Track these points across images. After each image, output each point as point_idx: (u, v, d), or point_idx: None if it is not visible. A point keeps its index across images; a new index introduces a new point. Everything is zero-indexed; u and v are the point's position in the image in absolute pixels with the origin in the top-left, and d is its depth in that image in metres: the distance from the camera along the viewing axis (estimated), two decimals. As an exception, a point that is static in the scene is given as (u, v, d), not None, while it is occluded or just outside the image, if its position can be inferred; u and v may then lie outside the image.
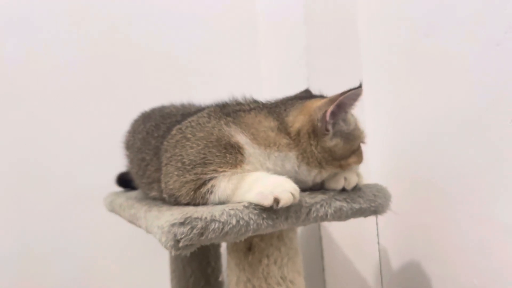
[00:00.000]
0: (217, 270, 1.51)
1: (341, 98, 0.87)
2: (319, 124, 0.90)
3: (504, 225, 0.99)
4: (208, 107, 1.03)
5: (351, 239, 1.46)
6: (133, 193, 1.36)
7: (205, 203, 0.90)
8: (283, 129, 0.92)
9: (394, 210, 1.06)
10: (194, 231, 0.80)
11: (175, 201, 0.94)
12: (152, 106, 1.29)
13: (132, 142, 1.20)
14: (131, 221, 1.17)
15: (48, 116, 1.78)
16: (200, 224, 0.80)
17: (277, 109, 0.95)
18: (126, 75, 1.85)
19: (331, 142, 0.91)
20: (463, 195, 1.11)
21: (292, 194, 0.84)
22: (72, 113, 1.80)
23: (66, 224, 1.75)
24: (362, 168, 1.58)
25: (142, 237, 1.24)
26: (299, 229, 1.64)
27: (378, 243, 1.32)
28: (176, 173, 0.91)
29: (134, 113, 1.32)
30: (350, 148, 0.95)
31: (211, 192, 0.89)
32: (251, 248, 1.00)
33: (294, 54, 1.65)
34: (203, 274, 1.49)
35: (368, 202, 0.99)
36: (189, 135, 0.94)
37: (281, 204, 0.83)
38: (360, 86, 0.86)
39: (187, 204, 0.92)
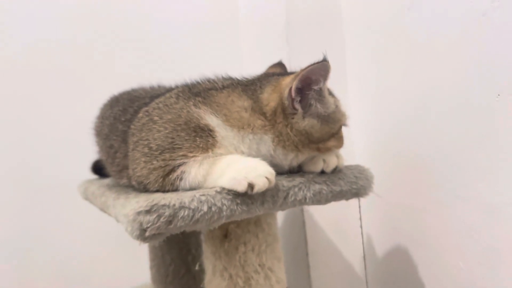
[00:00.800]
0: (198, 257, 1.46)
1: (303, 73, 0.81)
2: (286, 102, 0.84)
3: (490, 206, 0.95)
4: (177, 87, 0.97)
5: (335, 223, 1.42)
6: (106, 181, 1.29)
7: (175, 190, 0.85)
8: (257, 108, 0.86)
9: (378, 192, 1.01)
10: (162, 219, 0.74)
11: (144, 189, 0.88)
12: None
13: (100, 129, 1.13)
14: (102, 210, 1.11)
15: (20, 106, 1.69)
16: (167, 212, 0.75)
17: (253, 86, 0.89)
18: (100, 57, 1.76)
19: (304, 122, 0.85)
20: (448, 175, 1.07)
21: (267, 179, 0.78)
22: (44, 101, 1.71)
23: (44, 214, 1.69)
24: (346, 149, 1.54)
25: (120, 225, 1.19)
26: (282, 214, 1.60)
27: (361, 226, 1.28)
28: (143, 159, 0.85)
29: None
30: (329, 131, 0.89)
31: (181, 179, 0.83)
32: (227, 235, 0.95)
33: (274, 31, 1.58)
34: (183, 262, 1.44)
35: (349, 185, 0.94)
36: (156, 118, 0.87)
37: (255, 190, 0.77)
38: (325, 60, 0.80)
39: (157, 191, 0.86)
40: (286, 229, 1.60)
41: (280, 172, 0.92)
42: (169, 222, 0.75)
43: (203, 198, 0.78)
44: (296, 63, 1.39)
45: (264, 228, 0.96)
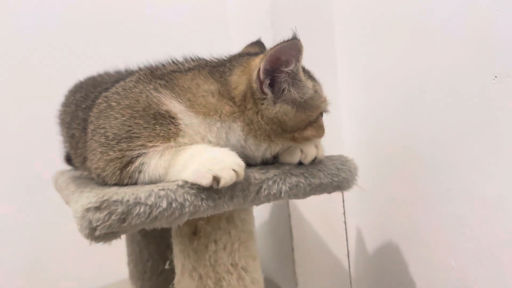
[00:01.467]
0: (176, 253, 1.38)
1: (271, 52, 0.72)
2: (254, 86, 0.76)
3: (484, 200, 0.87)
4: (141, 69, 0.88)
5: (321, 217, 1.35)
6: (76, 173, 1.21)
7: (135, 184, 0.76)
8: (225, 93, 0.77)
9: (364, 185, 0.93)
10: (113, 216, 0.66)
11: (103, 182, 0.80)
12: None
13: (63, 117, 1.04)
14: (66, 203, 1.03)
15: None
16: (120, 209, 0.67)
17: (221, 68, 0.80)
18: (76, 38, 1.65)
19: (275, 108, 0.77)
20: (440, 166, 0.99)
21: (235, 171, 0.70)
22: (13, 90, 1.61)
23: (20, 208, 1.60)
24: (334, 138, 1.46)
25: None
26: (267, 208, 1.52)
27: (345, 222, 1.20)
28: (99, 149, 0.77)
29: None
30: (306, 119, 0.80)
31: (140, 171, 0.75)
32: (196, 232, 0.87)
33: (259, 13, 1.48)
34: (161, 257, 1.36)
35: (329, 177, 0.86)
36: (113, 104, 0.78)
37: (222, 184, 0.69)
38: (295, 38, 0.71)
39: (116, 185, 0.78)
40: (272, 224, 1.52)
41: (253, 163, 0.84)
42: (122, 220, 0.67)
43: (162, 192, 0.70)
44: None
45: (237, 224, 0.88)
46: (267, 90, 0.75)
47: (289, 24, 1.40)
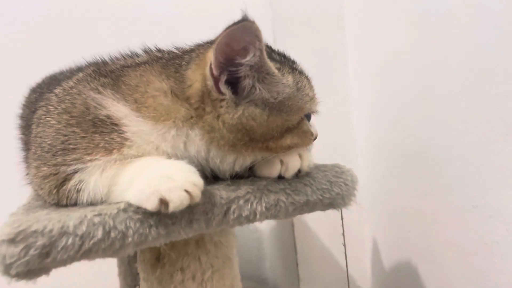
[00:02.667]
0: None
1: (219, 39, 0.56)
2: (209, 83, 0.60)
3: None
4: (89, 65, 0.74)
5: (325, 228, 1.19)
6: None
7: (75, 205, 0.63)
8: (180, 92, 0.62)
9: (382, 193, 0.76)
10: (32, 251, 0.53)
11: (45, 201, 0.67)
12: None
13: (19, 121, 0.92)
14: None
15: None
16: (41, 241, 0.54)
17: (178, 60, 0.65)
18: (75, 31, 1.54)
19: (237, 112, 0.61)
20: (466, 177, 0.81)
21: (188, 192, 0.55)
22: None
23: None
24: (345, 135, 1.28)
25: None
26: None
27: (344, 245, 1.03)
28: (34, 163, 0.64)
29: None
30: (283, 124, 0.64)
31: (79, 190, 0.61)
32: (159, 258, 0.73)
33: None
34: (152, 271, 1.24)
35: (319, 193, 0.70)
36: (50, 107, 0.65)
37: (171, 208, 0.55)
38: (245, 20, 0.55)
39: (56, 205, 0.65)
40: (277, 237, 1.38)
41: (222, 177, 0.69)
42: (45, 254, 0.54)
43: (97, 219, 0.56)
44: (282, 30, 1.14)
45: (209, 249, 0.73)
46: (224, 88, 0.60)
47: (292, 14, 1.25)
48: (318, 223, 1.19)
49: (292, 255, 1.22)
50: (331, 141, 1.22)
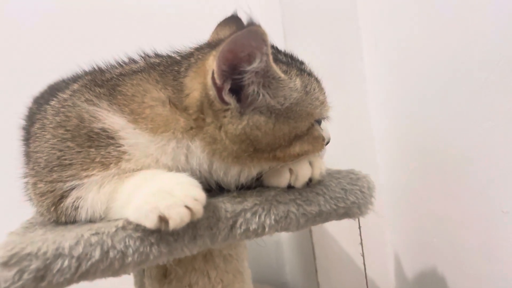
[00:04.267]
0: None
1: (222, 47, 0.52)
2: (211, 93, 0.56)
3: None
4: (86, 74, 0.70)
5: (345, 237, 1.14)
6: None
7: (74, 223, 0.60)
8: (178, 101, 0.59)
9: (383, 204, 0.71)
10: (26, 275, 0.51)
11: (44, 219, 0.65)
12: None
13: (21, 132, 0.89)
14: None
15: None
16: (35, 264, 0.51)
17: (176, 67, 0.61)
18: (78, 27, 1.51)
19: (241, 122, 0.56)
20: (496, 179, 0.74)
21: (189, 208, 0.52)
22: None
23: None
24: (363, 132, 1.21)
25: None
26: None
27: (362, 254, 0.97)
28: (32, 180, 0.62)
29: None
30: (290, 132, 0.59)
31: (77, 208, 0.58)
32: (166, 274, 0.70)
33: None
34: (168, 279, 1.21)
35: (333, 202, 0.65)
36: (46, 121, 0.63)
37: (171, 225, 0.51)
38: (251, 24, 0.51)
39: (56, 223, 0.62)
40: (295, 243, 1.33)
41: (228, 189, 0.65)
42: (40, 278, 0.52)
43: (94, 239, 0.53)
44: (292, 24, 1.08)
45: (217, 263, 0.70)
46: (228, 98, 0.56)
47: (302, 9, 1.19)
48: (336, 229, 1.14)
49: (311, 261, 1.17)
50: (348, 143, 1.17)
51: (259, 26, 0.50)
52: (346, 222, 0.95)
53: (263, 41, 0.51)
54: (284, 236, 1.55)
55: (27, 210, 0.79)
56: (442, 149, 0.89)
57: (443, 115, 0.87)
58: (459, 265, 0.86)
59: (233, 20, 0.75)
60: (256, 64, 0.54)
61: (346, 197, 0.66)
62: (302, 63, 0.66)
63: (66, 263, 0.52)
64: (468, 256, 0.83)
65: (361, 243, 0.94)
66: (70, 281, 0.52)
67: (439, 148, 0.90)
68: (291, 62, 0.63)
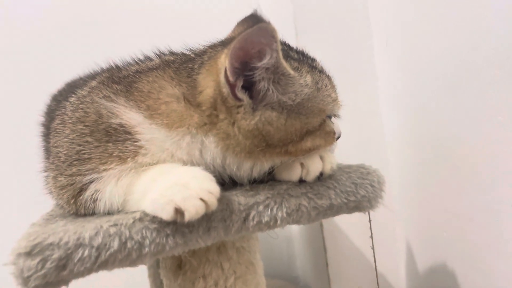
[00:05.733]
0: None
1: (234, 45, 0.53)
2: (224, 91, 0.58)
3: None
4: (103, 71, 0.73)
5: (356, 231, 1.15)
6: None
7: (92, 215, 0.63)
8: (192, 98, 0.60)
9: (393, 199, 0.72)
10: (49, 264, 0.53)
11: (64, 212, 0.67)
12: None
13: (41, 129, 0.91)
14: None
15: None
16: (57, 254, 0.53)
17: (190, 64, 0.63)
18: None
19: (254, 118, 0.58)
20: (503, 174, 0.75)
21: (204, 201, 0.54)
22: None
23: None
24: (374, 129, 1.22)
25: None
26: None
27: (373, 248, 0.98)
28: (52, 174, 0.64)
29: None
30: (302, 128, 0.60)
31: (95, 200, 0.60)
32: (181, 265, 0.72)
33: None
34: (181, 272, 1.24)
35: (343, 196, 0.66)
36: (66, 117, 0.65)
37: (187, 217, 0.53)
38: (261, 21, 0.52)
39: (75, 215, 0.65)
40: (306, 238, 1.34)
41: (240, 182, 0.67)
42: (62, 267, 0.54)
43: (113, 229, 0.56)
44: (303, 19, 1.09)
45: (230, 255, 0.72)
46: (241, 94, 0.57)
47: (314, 6, 1.20)
48: (347, 223, 1.15)
49: (322, 255, 1.19)
50: (359, 138, 1.18)
51: (268, 23, 0.52)
52: (356, 217, 0.97)
53: (273, 37, 0.53)
54: (295, 231, 1.57)
55: (45, 205, 0.83)
56: (451, 144, 0.90)
57: (452, 111, 0.88)
58: (469, 260, 0.87)
59: (252, 19, 0.77)
60: (266, 60, 0.55)
61: (357, 191, 0.67)
62: (313, 60, 0.67)
63: (86, 252, 0.54)
64: (479, 251, 0.83)
65: (371, 236, 0.95)
66: (90, 270, 0.55)
67: (449, 143, 0.90)
68: (302, 59, 0.64)
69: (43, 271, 0.52)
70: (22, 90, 1.40)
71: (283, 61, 0.56)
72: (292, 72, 0.58)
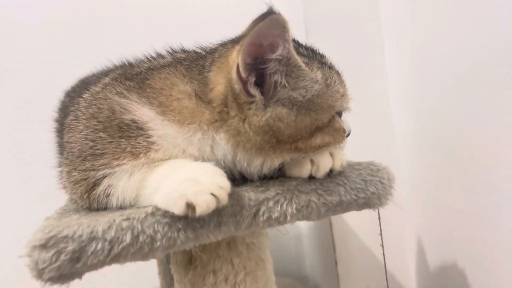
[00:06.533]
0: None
1: (247, 40, 0.54)
2: (236, 87, 0.58)
3: None
4: (116, 68, 0.74)
5: (365, 229, 1.15)
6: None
7: (105, 209, 0.64)
8: (203, 95, 0.61)
9: (403, 197, 0.72)
10: (63, 256, 0.54)
11: (78, 206, 0.68)
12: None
13: (55, 125, 0.93)
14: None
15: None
16: (71, 246, 0.54)
17: (202, 61, 0.64)
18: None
19: (265, 114, 0.59)
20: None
21: (215, 196, 0.54)
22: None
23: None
24: (384, 128, 1.22)
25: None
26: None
27: (382, 245, 0.98)
28: (66, 169, 0.65)
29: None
30: (312, 124, 0.61)
31: (108, 195, 0.62)
32: (191, 260, 0.72)
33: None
34: (190, 269, 1.25)
35: (353, 192, 0.67)
36: (79, 113, 0.66)
37: (198, 212, 0.54)
38: (271, 12, 0.52)
39: (88, 209, 0.66)
40: (315, 236, 1.35)
41: (251, 178, 0.67)
42: (76, 259, 0.55)
43: (125, 223, 0.56)
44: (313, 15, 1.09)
45: (240, 251, 0.72)
46: (254, 90, 0.58)
47: (324, 4, 1.20)
48: (356, 221, 1.16)
49: (331, 253, 1.19)
50: (369, 136, 1.18)
51: (279, 14, 0.52)
52: (366, 215, 0.97)
53: (284, 28, 0.53)
54: (304, 230, 1.57)
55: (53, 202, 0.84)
56: (462, 143, 0.89)
57: (463, 110, 0.88)
58: (479, 259, 0.86)
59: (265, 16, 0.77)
60: (279, 52, 0.56)
61: (366, 188, 0.67)
62: (322, 56, 0.68)
63: (99, 246, 0.55)
64: (488, 250, 0.83)
65: (381, 234, 0.95)
66: (103, 263, 0.56)
67: (459, 142, 0.90)
68: (312, 55, 0.65)
69: (57, 263, 0.54)
70: (36, 87, 1.42)
71: (294, 53, 0.57)
72: (303, 64, 0.59)
